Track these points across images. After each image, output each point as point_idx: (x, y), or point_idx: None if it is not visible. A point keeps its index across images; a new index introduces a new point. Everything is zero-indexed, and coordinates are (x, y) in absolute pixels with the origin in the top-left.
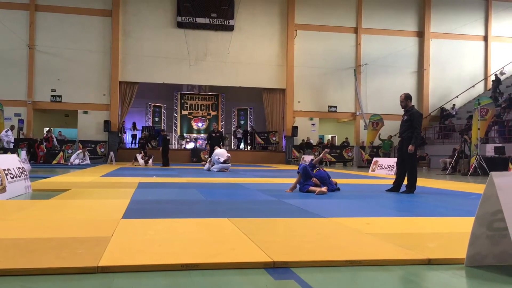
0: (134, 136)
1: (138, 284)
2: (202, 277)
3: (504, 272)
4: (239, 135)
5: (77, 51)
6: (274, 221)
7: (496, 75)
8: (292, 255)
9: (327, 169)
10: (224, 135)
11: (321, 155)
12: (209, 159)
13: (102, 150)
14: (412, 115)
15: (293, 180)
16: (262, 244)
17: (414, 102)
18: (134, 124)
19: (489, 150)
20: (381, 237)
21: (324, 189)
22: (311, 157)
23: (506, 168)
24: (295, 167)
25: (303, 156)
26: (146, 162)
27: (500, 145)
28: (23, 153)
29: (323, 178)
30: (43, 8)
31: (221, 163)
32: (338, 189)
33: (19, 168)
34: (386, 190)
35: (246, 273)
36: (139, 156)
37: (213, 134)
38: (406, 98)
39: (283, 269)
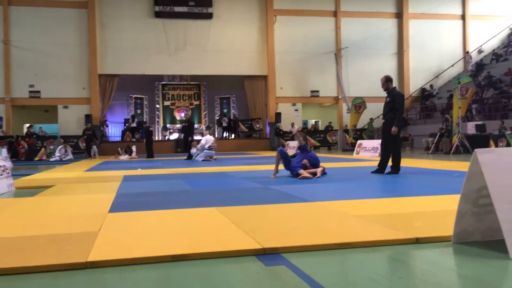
0: (133, 129)
1: (128, 278)
2: (192, 268)
3: (491, 247)
4: (224, 124)
5: (54, 45)
6: (262, 208)
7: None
8: (281, 241)
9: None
10: (210, 124)
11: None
12: (197, 145)
13: (84, 144)
14: (393, 96)
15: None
16: (251, 231)
17: (395, 83)
18: (132, 117)
19: (470, 128)
20: (369, 218)
21: (306, 173)
22: (296, 142)
23: (487, 145)
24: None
25: (288, 142)
26: (130, 154)
27: (480, 122)
28: (4, 151)
29: (312, 160)
30: (16, 2)
31: (206, 149)
32: (325, 173)
33: (0, 166)
34: (371, 172)
35: (237, 261)
36: (121, 151)
37: (184, 124)
38: (387, 80)
39: (274, 255)
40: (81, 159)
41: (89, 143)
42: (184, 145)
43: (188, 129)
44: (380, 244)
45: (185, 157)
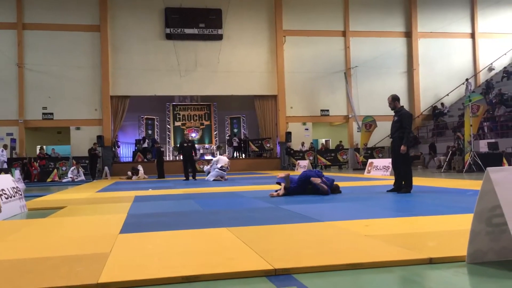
0: (144, 150)
1: None
2: None
3: (506, 267)
4: (235, 144)
5: (66, 67)
6: (273, 228)
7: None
8: (293, 262)
9: (325, 173)
10: (220, 144)
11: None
12: (210, 164)
13: (97, 165)
14: (401, 115)
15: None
16: (262, 252)
17: (405, 102)
18: (143, 138)
19: (483, 146)
20: (381, 238)
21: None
22: (306, 162)
23: (500, 163)
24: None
25: (298, 161)
26: (137, 175)
27: (493, 140)
28: (17, 172)
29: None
30: (30, 26)
31: (218, 168)
32: (340, 191)
33: (13, 188)
34: (387, 191)
35: (247, 282)
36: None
37: (185, 144)
38: (394, 99)
39: (285, 276)
40: (91, 180)
41: (94, 164)
42: (185, 165)
43: (191, 149)
44: (392, 264)
45: (187, 178)
